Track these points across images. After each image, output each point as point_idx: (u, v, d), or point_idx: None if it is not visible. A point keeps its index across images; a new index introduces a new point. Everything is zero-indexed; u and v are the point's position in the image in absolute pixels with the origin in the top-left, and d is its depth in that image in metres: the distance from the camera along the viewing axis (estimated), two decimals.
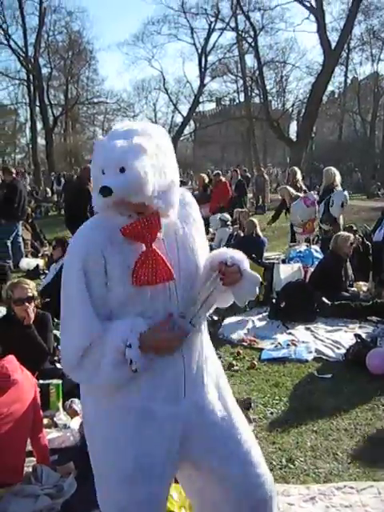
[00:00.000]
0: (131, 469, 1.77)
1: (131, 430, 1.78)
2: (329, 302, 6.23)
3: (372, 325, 5.93)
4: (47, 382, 3.85)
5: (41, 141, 38.99)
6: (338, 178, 8.95)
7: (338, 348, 5.25)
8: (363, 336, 5.12)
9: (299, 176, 11.20)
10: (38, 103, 35.29)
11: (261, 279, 1.90)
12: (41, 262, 9.41)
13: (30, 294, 4.16)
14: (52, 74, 38.55)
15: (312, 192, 9.98)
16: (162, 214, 1.70)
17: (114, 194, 1.59)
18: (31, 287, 4.23)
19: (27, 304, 4.13)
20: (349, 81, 40.40)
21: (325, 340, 5.49)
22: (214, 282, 1.77)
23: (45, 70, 36.75)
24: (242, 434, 1.90)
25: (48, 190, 23.72)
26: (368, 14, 34.56)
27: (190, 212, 1.86)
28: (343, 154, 36.83)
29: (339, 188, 8.76)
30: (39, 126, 37.48)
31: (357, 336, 5.07)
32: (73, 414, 3.82)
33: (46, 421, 3.56)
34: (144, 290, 1.68)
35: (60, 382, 3.90)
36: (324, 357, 5.08)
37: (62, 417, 3.75)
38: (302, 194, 9.62)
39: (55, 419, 3.72)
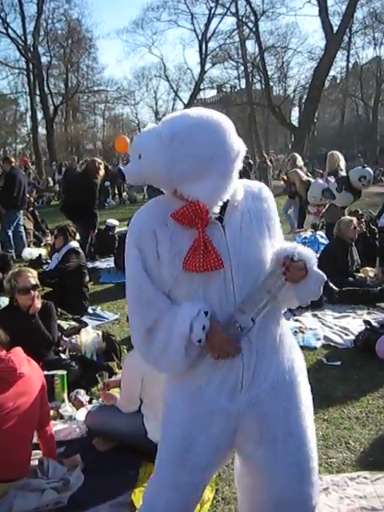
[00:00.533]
0: (176, 447, 1.80)
1: (182, 411, 1.80)
2: (336, 289, 6.13)
3: (381, 311, 5.84)
4: (52, 373, 3.78)
5: (41, 130, 38.93)
6: (343, 163, 8.80)
7: (347, 335, 5.16)
8: (372, 322, 5.03)
9: (300, 162, 11.13)
10: (37, 92, 35.16)
11: (325, 277, 1.79)
12: (43, 252, 9.34)
13: (34, 282, 4.09)
14: (51, 62, 38.40)
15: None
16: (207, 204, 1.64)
17: (126, 179, 1.73)
18: (34, 275, 4.15)
19: (32, 292, 4.05)
20: (351, 65, 40.08)
21: (333, 327, 5.40)
22: (278, 276, 1.68)
23: (44, 59, 36.63)
24: (297, 443, 1.81)
25: (50, 179, 23.60)
26: None
27: (264, 207, 1.79)
28: (346, 139, 36.63)
29: (343, 173, 8.58)
30: (40, 115, 37.44)
31: (366, 322, 4.98)
32: (78, 405, 3.75)
33: (51, 413, 3.48)
34: (192, 276, 1.65)
35: (65, 372, 3.83)
36: (332, 344, 5.00)
37: (67, 408, 3.68)
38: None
39: (61, 411, 3.65)
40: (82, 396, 3.85)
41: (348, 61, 39.03)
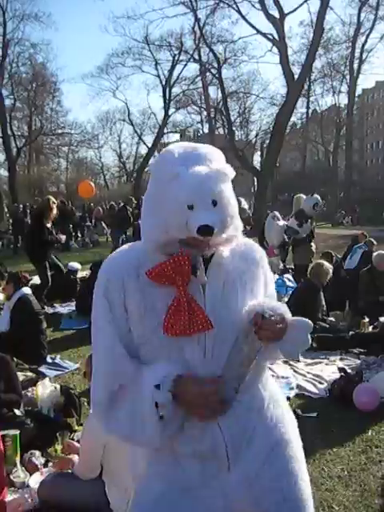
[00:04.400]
0: None
1: (157, 497, 1.50)
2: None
3: (353, 356, 5.64)
4: (3, 432, 3.38)
5: (4, 172, 38.56)
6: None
7: (321, 383, 4.92)
8: (347, 370, 4.80)
9: (245, 204, 11.53)
10: (0, 134, 34.87)
11: (311, 324, 1.57)
12: (1, 296, 8.92)
13: None
14: (15, 105, 38.35)
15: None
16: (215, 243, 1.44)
17: (214, 233, 1.38)
18: None
19: None
20: (310, 112, 41.29)
21: (306, 374, 5.15)
22: (253, 339, 1.45)
23: (8, 101, 36.59)
24: None
25: (11, 221, 23.04)
26: (327, 48, 35.59)
27: (252, 268, 1.55)
28: (307, 183, 37.33)
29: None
30: (2, 157, 37.09)
31: (341, 370, 4.75)
32: (32, 469, 3.35)
33: None
34: (165, 337, 1.40)
35: (17, 432, 3.44)
36: (306, 393, 4.74)
37: (19, 473, 3.27)
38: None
39: (12, 477, 3.24)
40: (37, 458, 3.45)
41: (308, 107, 40.22)
